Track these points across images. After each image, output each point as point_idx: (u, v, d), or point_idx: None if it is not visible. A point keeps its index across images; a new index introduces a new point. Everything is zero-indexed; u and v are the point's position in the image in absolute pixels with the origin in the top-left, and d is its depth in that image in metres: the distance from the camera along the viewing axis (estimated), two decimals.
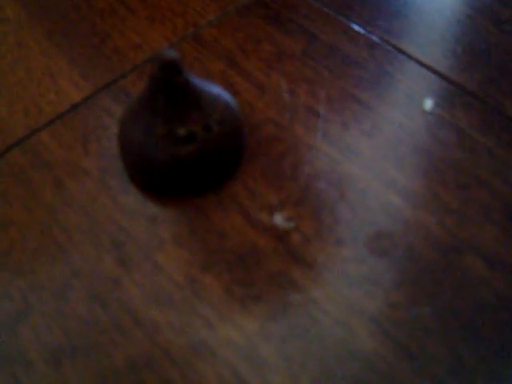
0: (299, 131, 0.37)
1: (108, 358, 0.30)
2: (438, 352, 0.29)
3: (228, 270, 0.32)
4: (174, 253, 0.32)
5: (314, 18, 0.42)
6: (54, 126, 0.38)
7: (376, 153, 0.35)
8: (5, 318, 0.31)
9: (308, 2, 0.44)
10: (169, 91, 0.32)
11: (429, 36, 0.41)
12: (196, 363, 0.29)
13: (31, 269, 0.33)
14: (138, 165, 0.33)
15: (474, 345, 0.29)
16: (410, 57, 0.40)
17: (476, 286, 0.31)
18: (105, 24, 0.44)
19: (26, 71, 0.42)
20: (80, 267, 0.32)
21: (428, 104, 0.37)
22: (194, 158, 0.32)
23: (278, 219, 0.33)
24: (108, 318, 0.31)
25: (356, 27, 0.42)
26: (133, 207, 0.34)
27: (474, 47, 0.40)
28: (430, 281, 0.31)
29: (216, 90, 0.34)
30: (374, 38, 0.41)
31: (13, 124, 0.39)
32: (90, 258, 0.33)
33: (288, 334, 0.30)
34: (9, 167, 0.37)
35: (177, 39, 0.42)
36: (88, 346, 0.30)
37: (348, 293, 0.31)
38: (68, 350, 0.30)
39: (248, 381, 0.28)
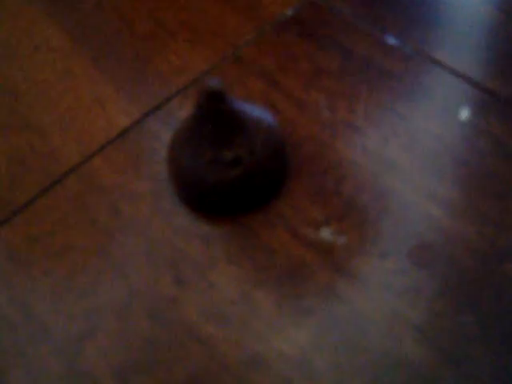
0: (340, 147, 0.38)
1: (170, 373, 0.32)
2: (481, 359, 0.30)
3: (278, 285, 0.33)
4: (227, 270, 0.34)
5: (348, 33, 0.44)
6: (105, 152, 0.40)
7: (415, 165, 0.37)
8: (71, 338, 0.33)
9: (342, 17, 0.45)
10: (215, 118, 0.34)
11: (462, 45, 0.42)
12: (253, 376, 0.31)
13: (93, 290, 0.35)
14: (188, 188, 0.35)
15: None
16: (444, 67, 0.41)
17: None
18: (147, 48, 0.46)
19: (75, 99, 0.44)
20: (139, 287, 0.34)
21: (464, 113, 0.38)
22: (240, 181, 0.34)
23: (324, 234, 0.35)
24: (167, 334, 0.33)
25: (390, 39, 0.43)
26: (185, 228, 0.36)
27: (507, 54, 0.41)
28: (471, 289, 0.32)
29: (258, 112, 0.36)
30: (409, 49, 0.42)
31: (66, 151, 0.41)
32: (147, 278, 0.35)
33: (338, 345, 0.31)
34: (66, 194, 0.39)
35: (217, 60, 0.44)
36: (151, 362, 0.32)
37: (393, 303, 0.32)
38: (132, 366, 0.32)
39: None
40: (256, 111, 0.36)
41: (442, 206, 0.35)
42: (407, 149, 0.37)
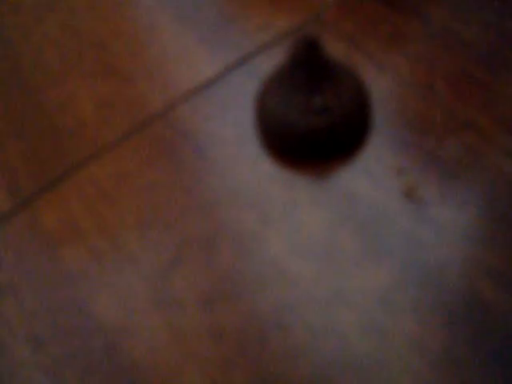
0: (420, 106, 0.40)
1: (254, 303, 0.33)
2: None
3: (361, 227, 0.35)
4: (310, 211, 0.36)
5: (427, 1, 0.45)
6: (191, 100, 0.42)
7: (495, 126, 0.38)
8: (159, 267, 0.35)
9: None
10: (309, 67, 0.35)
11: None
12: (336, 309, 0.33)
13: (179, 224, 0.37)
14: (276, 133, 0.37)
15: None
16: None
17: None
18: (230, 7, 0.48)
19: (160, 50, 0.46)
20: (225, 223, 0.36)
21: None
22: (328, 127, 0.36)
23: (405, 183, 0.36)
24: (252, 267, 0.35)
25: (468, 7, 0.45)
26: (269, 172, 0.38)
27: None
28: None
29: (346, 66, 0.38)
30: (487, 17, 0.44)
31: (152, 98, 0.43)
32: (234, 215, 0.37)
33: (417, 284, 0.33)
34: (152, 136, 0.41)
35: (299, 21, 0.46)
36: (235, 292, 0.34)
37: (470, 249, 0.34)
38: (217, 295, 0.34)
39: (382, 323, 0.32)
40: (343, 65, 0.38)
41: None
42: (486, 110, 0.39)
